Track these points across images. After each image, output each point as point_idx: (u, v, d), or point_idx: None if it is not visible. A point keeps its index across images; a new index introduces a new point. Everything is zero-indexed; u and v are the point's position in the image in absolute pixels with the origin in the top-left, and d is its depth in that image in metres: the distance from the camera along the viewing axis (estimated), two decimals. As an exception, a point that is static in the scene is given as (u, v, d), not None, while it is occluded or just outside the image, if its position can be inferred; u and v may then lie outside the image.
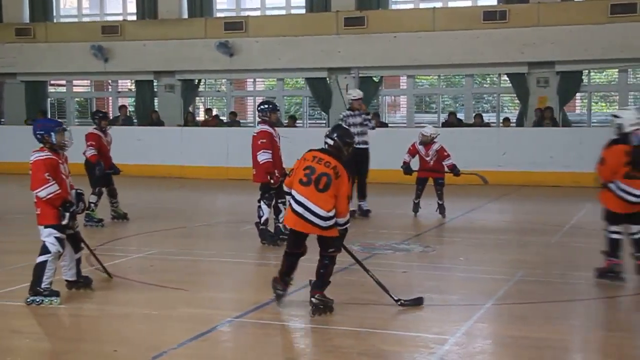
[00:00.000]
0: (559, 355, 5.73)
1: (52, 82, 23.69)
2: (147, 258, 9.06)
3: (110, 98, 23.76)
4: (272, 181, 9.55)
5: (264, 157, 9.57)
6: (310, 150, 6.62)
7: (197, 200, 16.06)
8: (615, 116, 7.78)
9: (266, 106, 9.89)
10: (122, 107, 21.46)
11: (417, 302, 6.72)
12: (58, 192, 6.79)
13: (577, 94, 19.38)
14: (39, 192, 6.78)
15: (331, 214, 6.35)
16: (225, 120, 21.10)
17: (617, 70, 19.05)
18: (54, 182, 6.79)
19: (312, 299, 6.48)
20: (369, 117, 12.41)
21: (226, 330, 6.24)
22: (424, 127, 13.21)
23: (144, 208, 12.28)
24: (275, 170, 9.56)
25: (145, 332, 6.23)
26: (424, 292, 7.49)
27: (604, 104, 21.10)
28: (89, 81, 23.69)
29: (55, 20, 22.95)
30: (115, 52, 21.39)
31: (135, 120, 21.65)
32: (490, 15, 18.63)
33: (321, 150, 6.56)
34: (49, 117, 22.50)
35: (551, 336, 6.00)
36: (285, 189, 6.77)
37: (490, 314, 6.71)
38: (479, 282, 8.04)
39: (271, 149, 9.62)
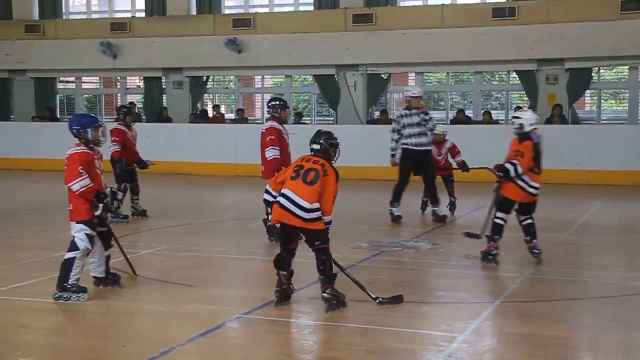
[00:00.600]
0: (567, 353, 5.71)
1: (61, 78, 23.78)
2: (155, 254, 9.07)
3: (118, 95, 23.82)
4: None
5: (271, 153, 9.56)
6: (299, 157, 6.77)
7: (205, 196, 16.08)
8: (516, 117, 8.57)
9: (277, 103, 9.86)
10: (131, 104, 21.47)
11: (397, 300, 6.67)
12: (90, 185, 6.79)
13: (587, 91, 19.30)
14: (72, 185, 6.78)
15: (314, 206, 6.41)
16: (233, 117, 21.10)
17: (627, 67, 18.95)
18: (86, 175, 6.79)
19: (324, 294, 6.49)
20: (428, 116, 11.38)
21: (234, 326, 6.24)
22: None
23: (152, 204, 12.26)
24: (283, 167, 9.54)
25: (153, 328, 6.24)
26: (433, 289, 7.50)
27: (613, 101, 21.02)
28: (97, 78, 23.76)
29: (64, 17, 23.02)
30: (124, 48, 21.43)
31: (143, 117, 21.69)
32: (499, 12, 18.55)
33: (310, 154, 6.70)
34: (57, 114, 22.63)
35: (559, 334, 5.97)
36: (268, 187, 6.77)
37: (498, 312, 6.69)
38: (488, 279, 8.02)
39: (279, 146, 9.61)
